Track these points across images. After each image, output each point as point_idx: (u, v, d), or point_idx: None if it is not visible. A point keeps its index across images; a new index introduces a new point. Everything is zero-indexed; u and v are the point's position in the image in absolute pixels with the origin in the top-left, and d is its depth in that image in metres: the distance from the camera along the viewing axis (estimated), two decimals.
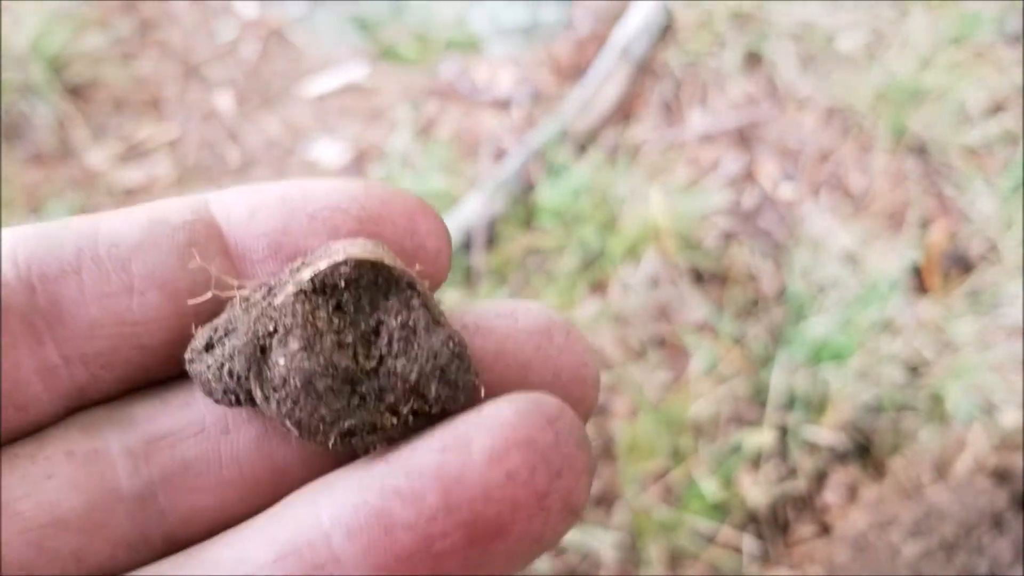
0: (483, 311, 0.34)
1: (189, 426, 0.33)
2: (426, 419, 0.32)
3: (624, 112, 1.94)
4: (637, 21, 2.02)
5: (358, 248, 0.32)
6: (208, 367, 0.32)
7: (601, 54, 2.01)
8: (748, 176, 1.85)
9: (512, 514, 0.28)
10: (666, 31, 2.06)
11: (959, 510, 1.25)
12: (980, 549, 1.20)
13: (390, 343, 0.32)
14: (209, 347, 0.32)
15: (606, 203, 1.75)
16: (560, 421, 0.29)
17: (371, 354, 0.32)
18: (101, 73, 1.98)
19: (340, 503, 0.30)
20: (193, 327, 0.33)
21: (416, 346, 0.32)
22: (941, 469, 1.40)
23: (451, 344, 0.32)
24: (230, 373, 0.31)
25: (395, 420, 0.31)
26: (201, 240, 0.33)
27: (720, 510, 1.45)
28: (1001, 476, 1.30)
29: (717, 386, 1.56)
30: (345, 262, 0.31)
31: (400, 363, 0.32)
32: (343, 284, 0.32)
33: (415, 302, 0.32)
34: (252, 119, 1.96)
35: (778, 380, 1.55)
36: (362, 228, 0.33)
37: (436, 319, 0.32)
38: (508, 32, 2.09)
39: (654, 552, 1.41)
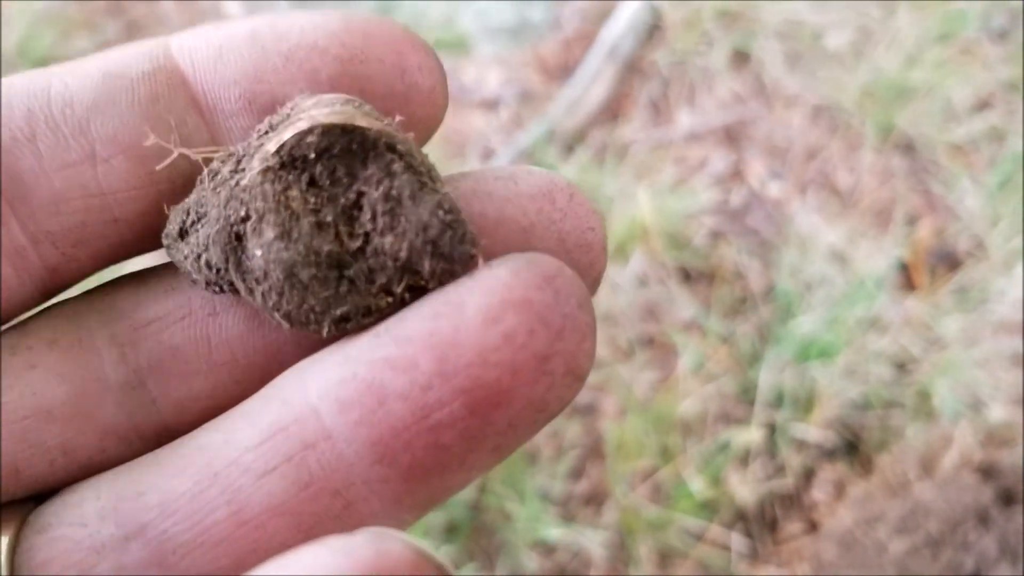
0: (481, 175, 0.32)
1: (175, 311, 0.31)
2: (423, 294, 0.29)
3: (612, 112, 1.94)
4: (624, 20, 2.02)
5: (325, 110, 0.28)
6: (185, 257, 0.29)
7: (588, 54, 2.01)
8: (736, 175, 1.85)
9: (512, 378, 0.26)
10: (653, 30, 2.06)
11: (945, 507, 1.25)
12: (966, 546, 1.20)
13: (374, 218, 0.28)
14: (183, 233, 0.30)
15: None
16: (559, 279, 0.27)
17: (355, 232, 0.28)
18: None
19: (328, 377, 0.27)
20: (165, 207, 0.30)
21: (403, 218, 0.28)
22: (927, 466, 1.41)
23: (441, 212, 0.28)
24: (208, 264, 0.29)
25: (390, 300, 0.28)
26: (164, 93, 0.30)
27: (708, 508, 1.45)
28: (987, 472, 1.30)
29: (705, 385, 1.56)
30: (311, 130, 0.28)
31: (387, 240, 0.28)
32: (313, 155, 0.28)
33: (397, 167, 0.28)
34: None
35: (766, 378, 1.55)
36: (344, 69, 0.29)
37: (423, 183, 0.29)
38: (496, 32, 2.09)
39: (643, 551, 1.41)
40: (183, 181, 0.30)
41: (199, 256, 0.29)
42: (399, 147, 0.29)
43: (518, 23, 2.10)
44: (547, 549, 1.42)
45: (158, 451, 0.30)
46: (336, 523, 0.28)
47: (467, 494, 1.43)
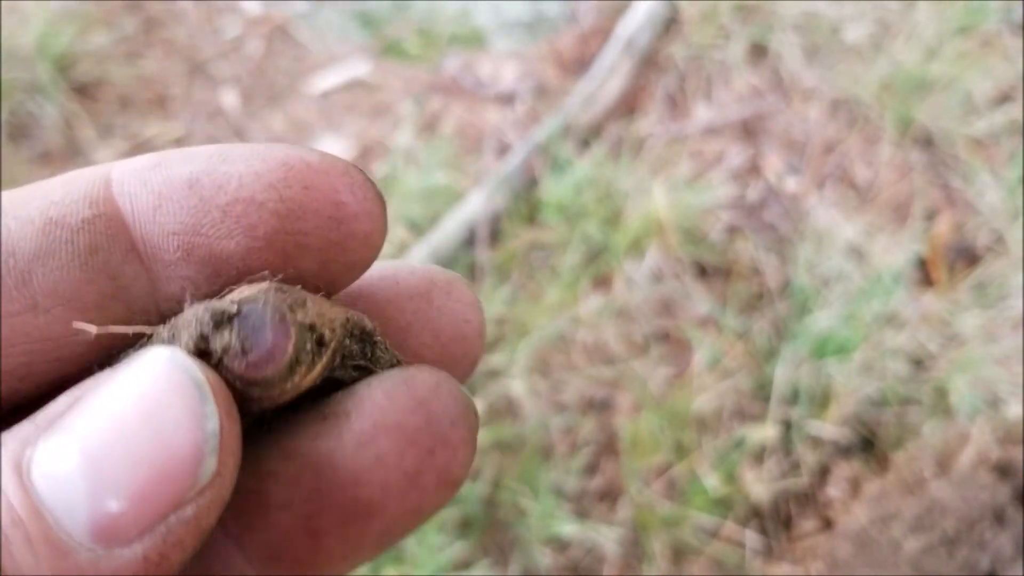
0: (368, 274, 0.33)
1: None
2: None
3: (628, 106, 1.93)
4: (641, 14, 2.01)
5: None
6: None
7: (605, 48, 2.00)
8: (753, 169, 1.85)
9: (383, 494, 0.29)
10: (670, 24, 2.06)
11: (961, 505, 1.24)
12: (982, 544, 1.20)
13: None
14: None
15: (610, 198, 1.75)
16: (433, 401, 0.30)
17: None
18: (107, 72, 1.99)
19: None
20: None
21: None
22: (944, 463, 1.40)
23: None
24: None
25: None
26: (103, 244, 0.30)
27: (723, 505, 1.45)
28: (1003, 470, 1.30)
29: (720, 381, 1.55)
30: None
31: None
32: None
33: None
34: (257, 117, 1.96)
35: (782, 374, 1.54)
36: (282, 225, 0.30)
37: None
38: (511, 26, 2.09)
39: (657, 547, 1.41)
40: (123, 323, 0.31)
41: None
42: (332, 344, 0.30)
43: (534, 17, 2.10)
44: (561, 545, 1.42)
45: None
46: None
47: (481, 490, 1.43)
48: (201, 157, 0.31)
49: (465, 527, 1.41)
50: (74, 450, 0.25)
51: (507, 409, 1.52)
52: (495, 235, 1.71)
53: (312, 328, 0.29)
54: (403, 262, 0.35)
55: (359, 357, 0.31)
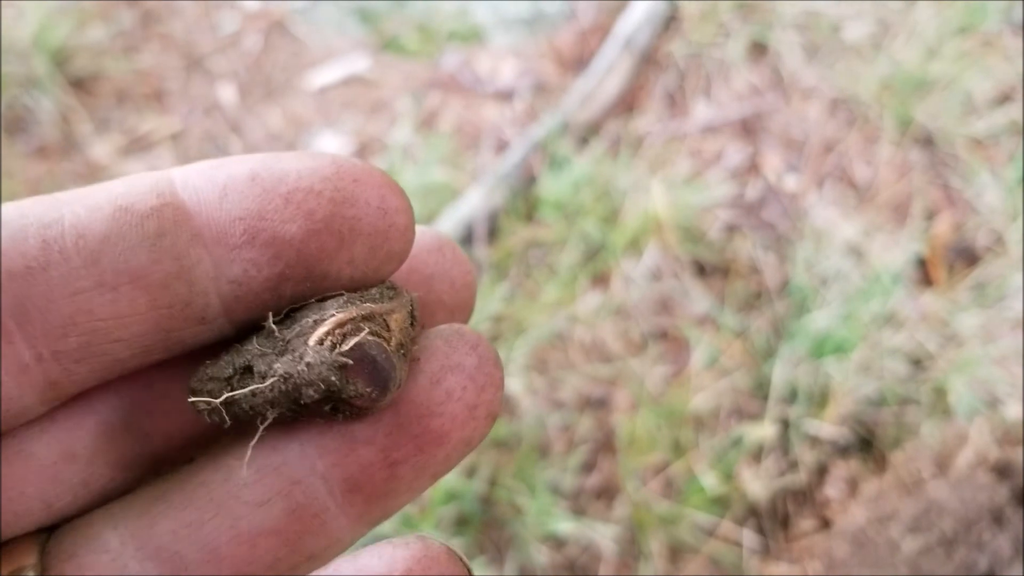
0: None
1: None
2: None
3: (627, 104, 1.93)
4: (640, 12, 2.01)
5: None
6: (233, 399, 0.34)
7: (604, 45, 2.00)
8: (752, 168, 1.84)
9: (451, 424, 0.34)
10: (670, 22, 2.05)
11: (959, 505, 1.24)
12: (980, 545, 1.19)
13: None
14: (229, 379, 0.34)
15: (608, 195, 1.74)
16: (480, 346, 0.35)
17: None
18: (104, 66, 1.98)
19: (311, 427, 0.35)
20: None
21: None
22: (942, 464, 1.39)
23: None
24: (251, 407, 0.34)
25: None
26: (170, 228, 0.33)
27: (720, 504, 1.45)
28: (1002, 471, 1.29)
29: (718, 379, 1.55)
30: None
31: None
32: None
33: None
34: (255, 112, 1.96)
35: (780, 373, 1.54)
36: (337, 211, 0.34)
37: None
38: (510, 23, 2.08)
39: (654, 545, 1.40)
40: (181, 307, 0.34)
41: (244, 399, 0.34)
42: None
43: (533, 14, 2.09)
44: (557, 543, 1.41)
45: (162, 485, 0.35)
46: (314, 538, 0.35)
47: (478, 487, 1.42)
48: (257, 158, 0.34)
49: (461, 524, 1.41)
50: None
51: (504, 407, 1.51)
52: (493, 232, 1.70)
53: (401, 346, 0.34)
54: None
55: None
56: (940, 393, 1.53)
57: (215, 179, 0.34)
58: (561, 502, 1.43)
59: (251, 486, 0.34)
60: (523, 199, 1.74)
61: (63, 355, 0.32)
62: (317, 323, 0.34)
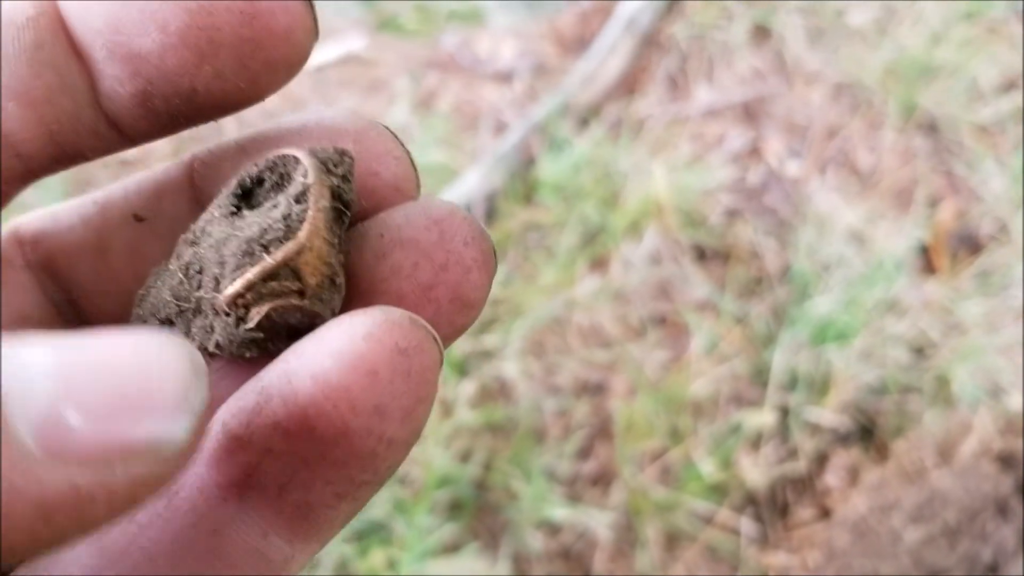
0: (285, 122, 0.35)
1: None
2: None
3: (628, 86, 1.90)
4: None
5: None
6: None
7: (606, 26, 1.97)
8: (754, 152, 1.82)
9: (398, 303, 0.31)
10: (672, 3, 2.02)
11: (963, 495, 1.22)
12: (983, 536, 1.18)
13: None
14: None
15: (608, 178, 1.72)
16: (446, 221, 0.31)
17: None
18: None
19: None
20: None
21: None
22: (945, 453, 1.38)
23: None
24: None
25: None
26: (48, 39, 0.31)
27: (718, 491, 1.43)
28: (1006, 461, 1.27)
29: (718, 365, 1.53)
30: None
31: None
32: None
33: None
34: None
35: (780, 360, 1.52)
36: (192, 21, 0.31)
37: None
38: (511, 3, 2.06)
39: (651, 533, 1.39)
40: (69, 120, 0.32)
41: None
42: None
43: None
44: (552, 529, 1.40)
45: None
46: None
47: (472, 472, 1.41)
48: None
49: (455, 509, 1.39)
50: (49, 350, 0.23)
51: (500, 391, 1.50)
52: (491, 214, 1.68)
53: (324, 277, 0.30)
54: (329, 108, 0.36)
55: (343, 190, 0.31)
56: (943, 382, 1.51)
57: None
58: (557, 488, 1.41)
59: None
60: (522, 181, 1.72)
61: None
62: (218, 283, 0.30)
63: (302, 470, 0.29)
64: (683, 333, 1.57)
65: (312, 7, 0.32)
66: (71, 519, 0.23)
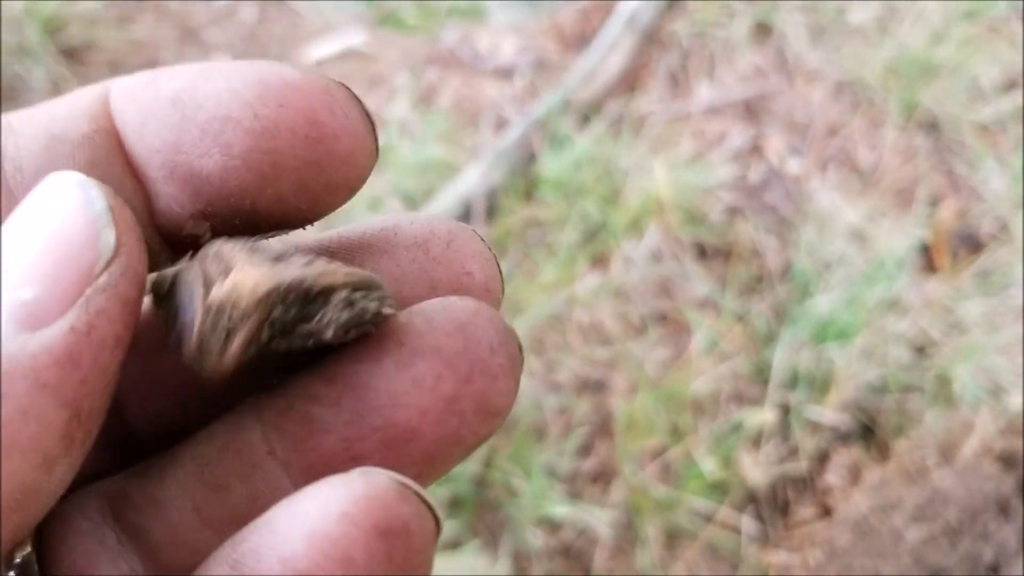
0: (367, 226, 0.34)
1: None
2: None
3: (629, 83, 1.90)
4: None
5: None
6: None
7: (607, 23, 1.97)
8: (755, 150, 1.82)
9: (421, 419, 0.29)
10: (674, 1, 2.02)
11: (964, 495, 1.22)
12: (985, 535, 1.17)
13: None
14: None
15: (609, 175, 1.72)
16: (471, 327, 0.30)
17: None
18: (96, 36, 1.94)
19: (270, 406, 0.31)
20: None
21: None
22: (947, 453, 1.38)
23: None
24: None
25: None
26: (103, 158, 0.31)
27: (719, 490, 1.43)
28: (1008, 461, 1.27)
29: (719, 364, 1.53)
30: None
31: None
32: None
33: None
34: None
35: (781, 358, 1.52)
36: (256, 144, 0.30)
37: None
38: (512, 0, 2.05)
39: (651, 531, 1.39)
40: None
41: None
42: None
43: None
44: (553, 526, 1.39)
45: (144, 463, 0.33)
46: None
47: (472, 469, 1.40)
48: (187, 75, 0.31)
49: (455, 506, 1.39)
50: None
51: None
52: (491, 211, 1.68)
53: (222, 308, 0.29)
54: (409, 212, 0.35)
55: (299, 323, 0.30)
56: (944, 381, 1.51)
57: (139, 101, 0.31)
58: (557, 485, 1.41)
59: (211, 466, 0.31)
60: (522, 177, 1.72)
61: None
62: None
63: None
64: (684, 331, 1.57)
65: (374, 130, 0.31)
66: (91, 352, 0.26)
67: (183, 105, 0.30)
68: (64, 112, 0.31)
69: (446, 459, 0.31)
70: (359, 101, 0.31)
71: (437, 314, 0.30)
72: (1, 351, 0.25)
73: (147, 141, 0.31)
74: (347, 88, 0.31)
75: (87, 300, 0.26)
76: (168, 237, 0.32)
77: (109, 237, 0.26)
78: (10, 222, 0.27)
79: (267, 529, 0.27)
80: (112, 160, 0.31)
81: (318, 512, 0.26)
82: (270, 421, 0.31)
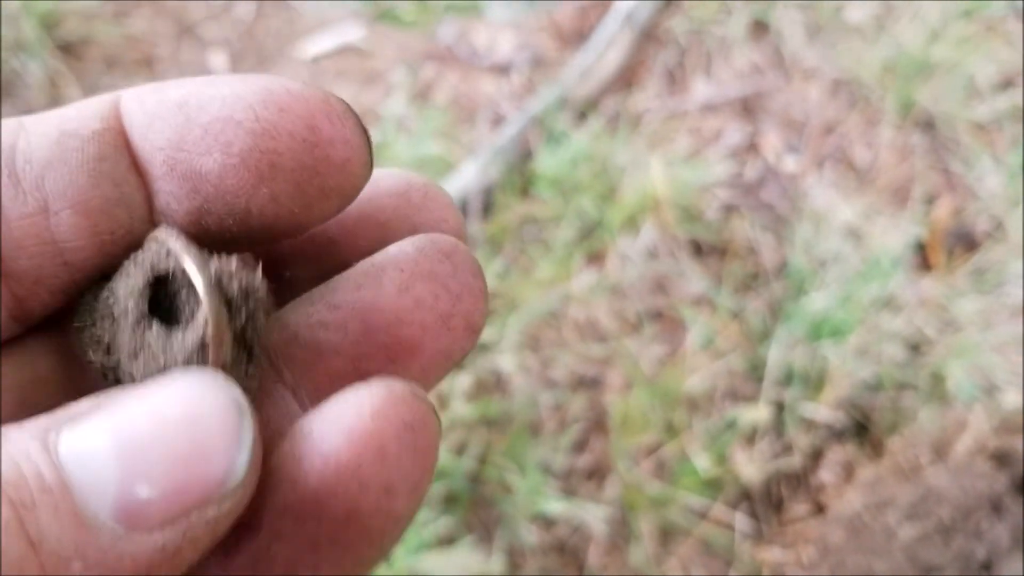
0: None
1: None
2: None
3: (626, 80, 1.90)
4: None
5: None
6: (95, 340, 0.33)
7: (604, 20, 1.97)
8: (751, 147, 1.82)
9: (422, 333, 0.33)
10: None
11: (958, 493, 1.22)
12: (978, 534, 1.18)
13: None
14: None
15: (605, 172, 1.72)
16: (455, 255, 0.34)
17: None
18: (93, 31, 1.94)
19: (278, 335, 0.34)
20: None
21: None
22: (940, 450, 1.38)
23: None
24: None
25: None
26: (110, 154, 0.33)
27: (713, 486, 1.43)
28: (1001, 459, 1.27)
29: (713, 361, 1.53)
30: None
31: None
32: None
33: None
34: None
35: (776, 356, 1.52)
36: (255, 144, 0.32)
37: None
38: None
39: (645, 527, 1.39)
40: (123, 233, 0.33)
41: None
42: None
43: None
44: (547, 523, 1.40)
45: None
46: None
47: (467, 465, 1.40)
48: (194, 83, 0.33)
49: (450, 502, 1.39)
50: (106, 434, 0.26)
51: (496, 384, 1.49)
52: (487, 207, 1.68)
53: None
54: (381, 168, 0.37)
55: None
56: (938, 379, 1.51)
57: (146, 104, 0.33)
58: (552, 482, 1.41)
59: None
60: (519, 174, 1.72)
61: (20, 276, 0.33)
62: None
63: (309, 553, 0.29)
64: (679, 328, 1.57)
65: (369, 142, 0.33)
66: (165, 572, 0.26)
67: (188, 108, 0.32)
68: (75, 114, 0.33)
69: (439, 372, 0.34)
70: (355, 114, 0.33)
71: (425, 244, 0.34)
72: (94, 535, 0.25)
73: (151, 139, 0.32)
74: (344, 102, 0.33)
75: (189, 526, 0.26)
76: None
77: (239, 472, 0.27)
78: (146, 401, 0.27)
79: (300, 436, 0.29)
80: (119, 156, 0.33)
81: (353, 412, 0.28)
82: (276, 350, 0.34)
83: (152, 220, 0.34)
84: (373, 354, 0.33)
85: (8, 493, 0.24)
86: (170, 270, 0.32)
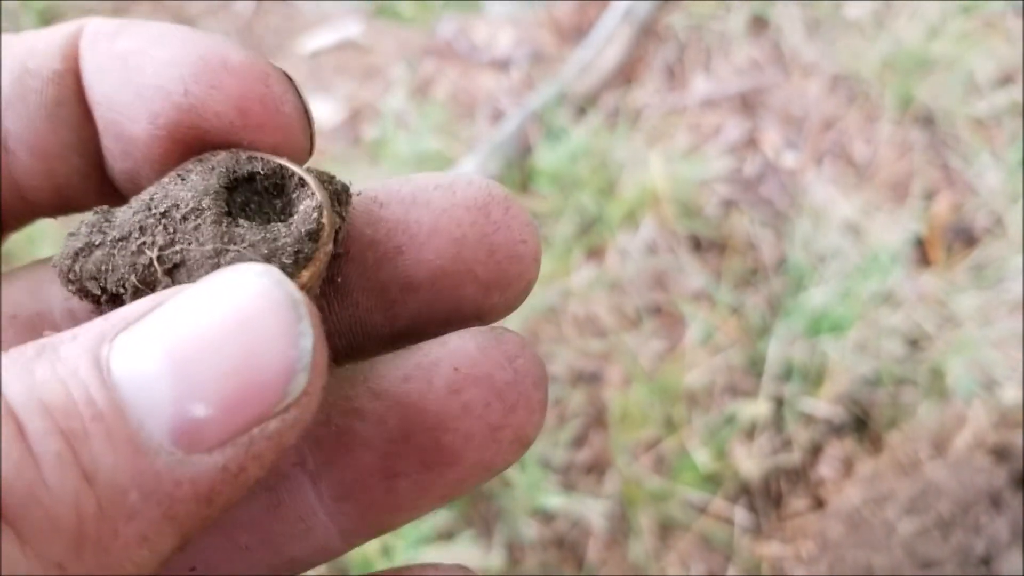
0: (423, 182, 0.33)
1: None
2: None
3: (625, 75, 1.90)
4: None
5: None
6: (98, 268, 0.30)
7: (603, 15, 1.96)
8: (750, 143, 1.82)
9: (465, 443, 0.30)
10: None
11: (957, 488, 1.22)
12: (977, 528, 1.18)
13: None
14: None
15: (605, 168, 1.72)
16: (519, 360, 0.31)
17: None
18: None
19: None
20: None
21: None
22: (939, 445, 1.38)
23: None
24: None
25: None
26: (68, 98, 0.31)
27: (712, 481, 1.43)
28: (1000, 454, 1.27)
29: (713, 356, 1.53)
30: None
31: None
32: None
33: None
34: None
35: (775, 351, 1.52)
36: (181, 119, 0.30)
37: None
38: None
39: (644, 522, 1.39)
40: (80, 179, 0.32)
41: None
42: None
43: None
44: (546, 517, 1.40)
45: None
46: (296, 543, 0.31)
47: None
48: (147, 35, 0.31)
49: None
50: (159, 352, 0.24)
51: None
52: None
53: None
54: (462, 173, 0.36)
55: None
56: (937, 374, 1.51)
57: (98, 52, 0.31)
58: (551, 476, 1.41)
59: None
60: (518, 170, 1.72)
61: None
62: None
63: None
64: (678, 323, 1.57)
65: (309, 125, 0.32)
66: (230, 494, 0.25)
67: (128, 66, 0.30)
68: (43, 46, 0.32)
69: (474, 484, 0.31)
70: (298, 93, 0.31)
71: (489, 342, 0.31)
72: (151, 461, 0.24)
73: (95, 91, 0.31)
74: (288, 78, 0.31)
75: (251, 441, 0.24)
76: (114, 185, 0.33)
77: (302, 382, 0.25)
78: (200, 308, 0.25)
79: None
80: (77, 101, 0.32)
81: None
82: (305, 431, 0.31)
83: (103, 169, 0.32)
84: (407, 455, 0.30)
85: (59, 421, 0.23)
86: (254, 171, 0.30)
